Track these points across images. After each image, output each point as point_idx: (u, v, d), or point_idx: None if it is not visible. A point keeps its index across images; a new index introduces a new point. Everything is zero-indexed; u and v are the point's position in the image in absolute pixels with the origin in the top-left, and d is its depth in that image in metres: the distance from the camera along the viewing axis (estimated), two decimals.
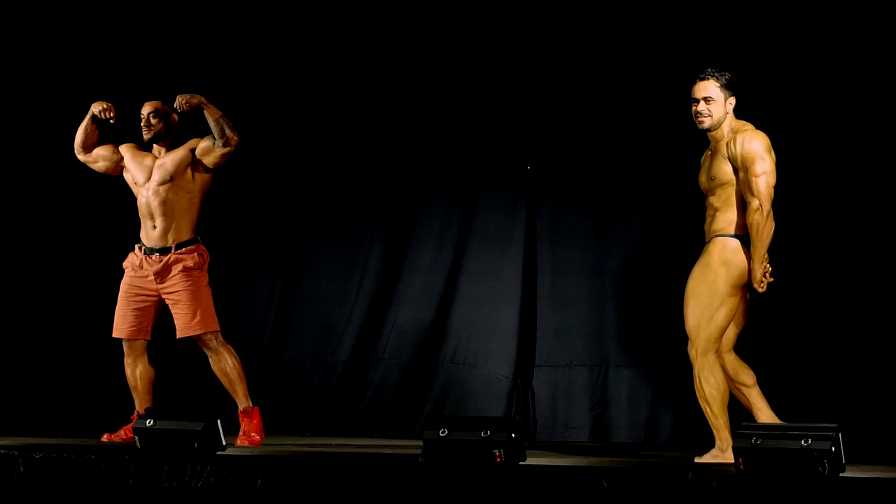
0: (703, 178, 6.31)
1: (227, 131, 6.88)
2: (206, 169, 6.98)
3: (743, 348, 6.30)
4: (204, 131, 6.94)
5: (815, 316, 7.63)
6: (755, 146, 6.11)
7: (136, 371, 7.05)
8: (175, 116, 7.01)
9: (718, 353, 6.24)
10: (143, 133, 7.03)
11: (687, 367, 6.37)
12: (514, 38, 8.40)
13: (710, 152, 6.30)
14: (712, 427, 6.15)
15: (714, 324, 6.13)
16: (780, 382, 6.52)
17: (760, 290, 6.13)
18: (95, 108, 7.03)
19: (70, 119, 8.48)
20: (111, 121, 7.02)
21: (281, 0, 8.79)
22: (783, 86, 7.70)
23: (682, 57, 7.74)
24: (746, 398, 6.29)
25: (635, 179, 7.10)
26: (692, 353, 6.17)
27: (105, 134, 7.14)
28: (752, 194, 6.07)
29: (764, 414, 6.23)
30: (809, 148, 7.63)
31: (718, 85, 6.19)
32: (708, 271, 6.17)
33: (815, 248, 7.67)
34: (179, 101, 6.86)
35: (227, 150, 6.92)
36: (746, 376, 6.29)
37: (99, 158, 7.17)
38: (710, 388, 6.12)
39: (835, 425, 5.24)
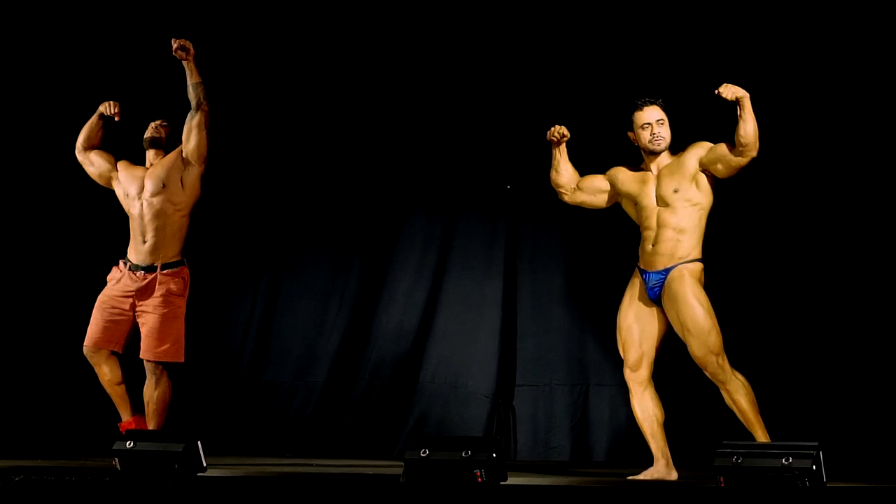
0: (660, 194, 6.37)
1: (202, 97, 6.87)
2: (194, 179, 6.93)
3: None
4: None
5: (795, 334, 7.65)
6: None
7: (104, 378, 6.96)
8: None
9: (644, 381, 6.39)
10: (147, 132, 7.02)
11: (668, 385, 6.41)
12: (495, 65, 8.41)
13: (648, 173, 6.43)
14: (752, 431, 6.19)
15: (719, 332, 6.21)
16: (761, 400, 6.51)
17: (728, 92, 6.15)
18: (103, 107, 7.04)
19: (55, 132, 8.48)
20: (115, 118, 7.00)
21: (261, 21, 8.78)
22: (782, 87, 7.73)
23: (660, 79, 7.77)
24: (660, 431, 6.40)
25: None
26: (721, 375, 6.20)
27: (107, 144, 7.13)
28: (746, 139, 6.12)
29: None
30: (797, 160, 7.68)
31: (662, 107, 6.35)
32: (697, 291, 6.26)
33: (794, 266, 7.69)
34: (177, 44, 6.81)
35: (200, 116, 6.86)
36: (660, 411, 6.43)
37: (95, 162, 7.09)
38: (745, 391, 6.20)
39: (815, 443, 5.26)
